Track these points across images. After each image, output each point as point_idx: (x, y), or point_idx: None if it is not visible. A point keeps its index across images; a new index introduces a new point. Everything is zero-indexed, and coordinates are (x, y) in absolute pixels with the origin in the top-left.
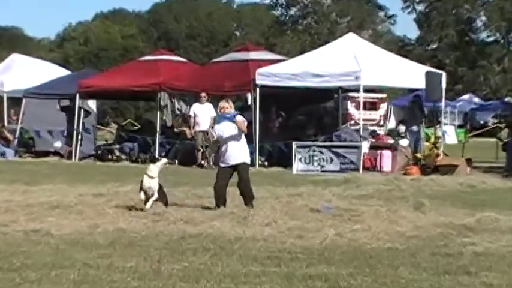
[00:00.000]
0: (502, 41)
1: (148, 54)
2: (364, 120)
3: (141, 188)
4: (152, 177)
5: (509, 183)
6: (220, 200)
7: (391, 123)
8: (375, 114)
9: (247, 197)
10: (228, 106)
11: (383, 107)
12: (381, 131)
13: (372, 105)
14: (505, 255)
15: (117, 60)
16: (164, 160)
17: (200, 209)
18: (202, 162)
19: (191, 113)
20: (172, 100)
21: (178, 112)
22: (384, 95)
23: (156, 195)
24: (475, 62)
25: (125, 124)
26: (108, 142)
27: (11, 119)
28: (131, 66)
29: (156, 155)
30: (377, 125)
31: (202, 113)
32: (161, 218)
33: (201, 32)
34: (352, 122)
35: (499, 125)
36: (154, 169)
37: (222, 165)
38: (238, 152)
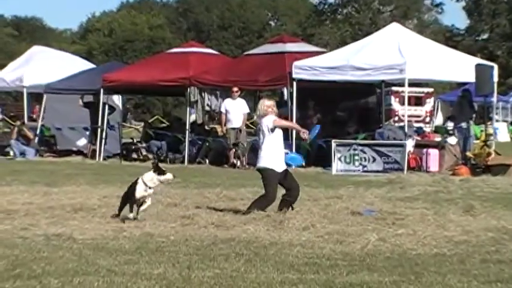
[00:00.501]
0: None
1: (177, 47)
2: (409, 116)
3: (133, 198)
4: (150, 188)
5: None
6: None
7: (438, 119)
8: (421, 110)
9: (291, 204)
10: (274, 104)
11: (429, 103)
12: (427, 128)
13: (418, 101)
14: None
15: (144, 52)
16: (170, 176)
17: (232, 212)
18: (235, 161)
19: (222, 109)
20: (203, 95)
21: (208, 108)
22: (431, 90)
23: (148, 203)
24: None
25: (152, 121)
26: (135, 140)
27: (36, 116)
28: (159, 59)
29: (186, 154)
30: (423, 121)
31: (234, 109)
32: (191, 221)
33: (233, 22)
34: (396, 118)
35: None
36: (155, 181)
37: (276, 169)
38: (283, 155)
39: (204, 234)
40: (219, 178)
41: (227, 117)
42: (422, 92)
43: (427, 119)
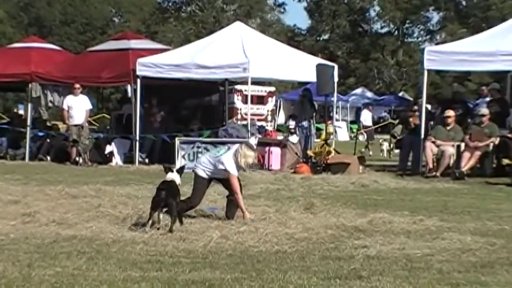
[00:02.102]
0: (396, 32)
1: (18, 42)
2: (251, 115)
3: None
4: None
5: (402, 183)
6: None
7: (280, 118)
8: (263, 109)
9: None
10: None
11: (271, 102)
12: (269, 127)
13: (260, 99)
14: (398, 259)
15: None
16: None
17: (75, 209)
18: (77, 158)
19: (64, 106)
20: (45, 91)
21: (51, 104)
22: (273, 89)
23: None
24: (368, 55)
25: None
26: None
27: None
28: None
29: (27, 151)
30: (265, 120)
31: (77, 105)
32: (32, 219)
33: (76, 18)
34: (239, 116)
35: (392, 121)
36: None
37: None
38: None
39: (45, 232)
40: (61, 175)
41: (69, 114)
42: (265, 91)
43: (269, 118)
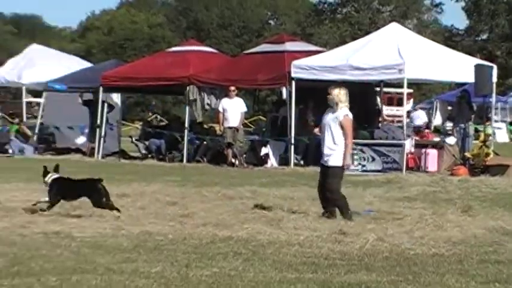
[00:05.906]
0: None
1: (176, 45)
2: (391, 116)
3: None
4: None
5: None
6: (322, 203)
7: (437, 119)
8: (402, 111)
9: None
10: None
11: (409, 103)
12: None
13: (399, 101)
14: None
15: (143, 51)
16: None
17: (231, 211)
18: (233, 160)
19: (220, 108)
20: (202, 94)
21: (207, 107)
22: (411, 90)
23: None
24: None
25: (151, 119)
26: (133, 139)
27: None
28: (158, 58)
29: (185, 153)
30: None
31: (232, 108)
32: (189, 220)
33: (233, 21)
34: (380, 118)
35: None
36: None
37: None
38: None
39: (202, 233)
40: (218, 177)
41: (224, 116)
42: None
43: (407, 120)
